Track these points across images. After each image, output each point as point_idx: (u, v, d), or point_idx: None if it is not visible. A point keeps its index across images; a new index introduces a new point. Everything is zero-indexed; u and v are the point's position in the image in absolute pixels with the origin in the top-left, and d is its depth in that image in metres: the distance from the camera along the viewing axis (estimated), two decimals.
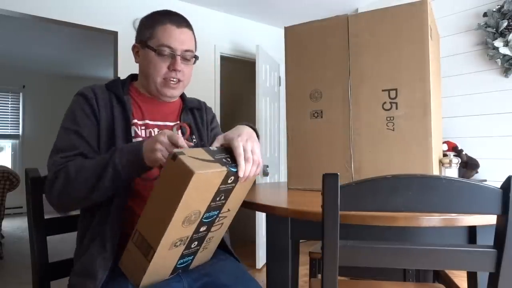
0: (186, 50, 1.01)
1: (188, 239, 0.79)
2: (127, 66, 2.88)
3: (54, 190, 0.87)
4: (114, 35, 2.91)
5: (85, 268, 0.87)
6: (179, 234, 0.75)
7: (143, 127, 1.01)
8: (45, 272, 1.02)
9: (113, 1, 2.90)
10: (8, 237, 4.09)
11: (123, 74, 3.11)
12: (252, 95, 3.30)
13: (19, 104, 5.87)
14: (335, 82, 1.29)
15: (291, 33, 1.39)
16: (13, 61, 5.19)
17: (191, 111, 1.14)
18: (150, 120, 1.03)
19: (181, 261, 0.84)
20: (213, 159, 0.75)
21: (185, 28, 1.02)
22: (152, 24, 1.00)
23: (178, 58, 1.00)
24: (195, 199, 0.71)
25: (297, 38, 1.37)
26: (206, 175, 0.69)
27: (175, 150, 0.71)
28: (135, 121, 1.00)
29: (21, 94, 5.86)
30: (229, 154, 0.80)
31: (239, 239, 3.86)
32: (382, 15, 1.22)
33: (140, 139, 0.98)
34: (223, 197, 0.79)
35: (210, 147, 0.80)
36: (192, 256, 0.87)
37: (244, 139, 0.81)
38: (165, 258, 0.77)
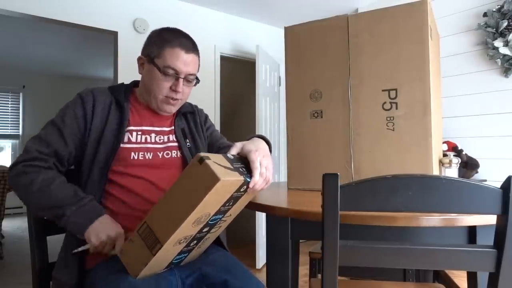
0: (190, 74, 1.05)
1: (191, 238, 0.82)
2: (127, 66, 2.88)
3: (15, 180, 0.91)
4: (114, 35, 2.91)
5: (62, 261, 0.96)
6: (186, 233, 0.78)
7: (139, 133, 1.05)
8: (45, 272, 1.02)
9: (113, 1, 2.90)
10: (8, 237, 4.09)
11: (123, 74, 3.10)
12: (252, 95, 3.31)
13: (19, 104, 5.87)
14: (335, 82, 1.29)
15: (291, 33, 1.39)
16: (13, 61, 5.19)
17: (184, 116, 1.18)
18: (146, 126, 1.07)
19: (178, 257, 0.86)
20: (232, 167, 0.79)
21: (192, 54, 1.05)
22: (162, 44, 1.02)
23: (181, 80, 1.03)
24: (211, 202, 0.74)
25: (297, 38, 1.37)
26: (228, 182, 0.74)
27: (202, 154, 0.74)
28: (131, 128, 1.04)
29: (21, 94, 5.86)
30: (244, 164, 0.86)
31: (239, 239, 3.86)
32: (382, 15, 1.22)
33: (131, 145, 1.02)
34: (231, 203, 0.83)
35: (228, 155, 0.84)
36: (187, 254, 0.89)
37: (261, 155, 0.87)
38: (167, 253, 0.79)
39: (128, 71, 2.86)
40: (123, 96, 1.05)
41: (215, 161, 0.74)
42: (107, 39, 3.22)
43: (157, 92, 1.03)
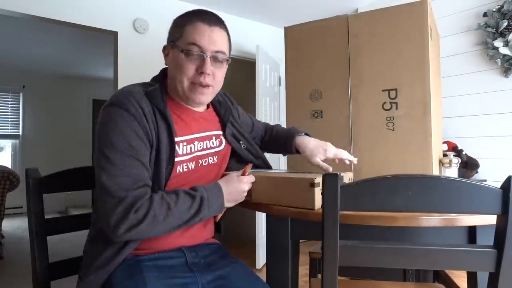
0: (217, 51, 0.92)
1: None
2: (127, 66, 2.88)
3: (136, 230, 0.80)
4: (114, 35, 2.91)
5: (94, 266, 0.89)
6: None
7: (184, 143, 0.94)
8: (45, 272, 1.02)
9: (113, 1, 2.90)
10: (8, 237, 4.09)
11: (123, 74, 3.08)
12: (252, 95, 3.30)
13: (19, 104, 5.86)
14: (335, 82, 1.29)
15: (291, 33, 1.39)
16: (13, 61, 5.18)
17: (231, 123, 1.10)
18: (189, 134, 0.97)
19: None
20: None
21: (217, 27, 0.93)
22: (183, 24, 0.92)
23: (208, 59, 0.90)
24: None
25: (297, 38, 1.37)
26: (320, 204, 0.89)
27: (316, 180, 0.88)
28: (177, 138, 0.92)
29: (21, 94, 5.85)
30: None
31: (239, 239, 3.86)
32: (382, 15, 1.22)
33: (179, 159, 0.93)
34: None
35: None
36: None
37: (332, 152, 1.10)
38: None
39: (128, 71, 2.86)
40: (162, 103, 0.90)
41: (319, 186, 0.88)
42: (107, 39, 3.22)
43: (181, 77, 0.90)
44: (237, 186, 0.94)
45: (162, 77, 0.98)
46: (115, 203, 0.79)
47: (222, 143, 1.07)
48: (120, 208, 0.79)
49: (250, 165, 1.02)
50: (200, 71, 0.90)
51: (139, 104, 0.86)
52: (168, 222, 0.82)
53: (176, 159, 0.91)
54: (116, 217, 0.78)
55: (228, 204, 0.93)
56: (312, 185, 0.88)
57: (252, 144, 1.16)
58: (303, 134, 1.16)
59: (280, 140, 1.19)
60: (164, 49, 0.98)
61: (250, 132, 1.24)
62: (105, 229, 0.81)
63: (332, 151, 1.09)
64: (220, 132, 1.07)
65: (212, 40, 0.91)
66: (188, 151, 0.96)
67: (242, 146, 1.11)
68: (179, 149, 0.93)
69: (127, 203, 0.79)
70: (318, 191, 0.88)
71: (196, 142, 0.98)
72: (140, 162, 0.84)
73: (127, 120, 0.83)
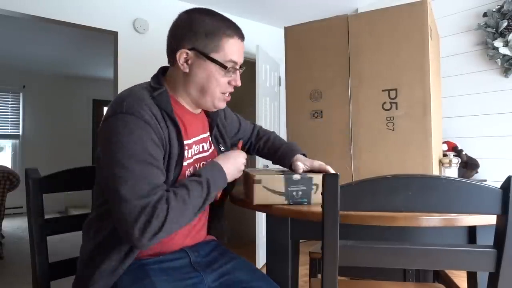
0: (242, 63, 0.98)
1: None
2: (127, 66, 2.88)
3: (160, 234, 0.78)
4: (114, 35, 2.91)
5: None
6: None
7: (186, 147, 0.94)
8: (45, 272, 1.02)
9: (113, 1, 2.90)
10: (8, 237, 4.09)
11: (123, 74, 3.07)
12: (252, 95, 3.30)
13: (19, 104, 5.86)
14: (335, 82, 1.29)
15: (291, 33, 1.39)
16: (13, 61, 5.18)
17: (217, 125, 1.10)
18: (192, 137, 0.97)
19: None
20: (284, 191, 0.94)
21: (244, 41, 0.97)
22: (216, 34, 0.89)
23: (238, 73, 0.96)
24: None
25: (297, 38, 1.37)
26: (264, 203, 0.95)
27: (256, 177, 0.94)
28: (184, 142, 0.92)
29: (21, 94, 5.84)
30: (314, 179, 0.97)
31: (239, 239, 3.86)
32: (382, 15, 1.22)
33: (186, 162, 0.93)
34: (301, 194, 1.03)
35: (294, 176, 0.95)
36: None
37: (318, 163, 1.05)
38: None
39: (128, 71, 2.86)
40: (170, 107, 0.89)
41: (265, 185, 0.94)
42: (107, 39, 3.22)
43: (216, 90, 0.93)
44: (235, 157, 0.97)
45: (162, 78, 0.96)
46: (137, 213, 0.77)
47: (211, 145, 1.06)
48: (143, 217, 0.76)
49: (241, 142, 1.14)
50: (234, 84, 0.97)
51: (152, 111, 0.84)
52: (186, 215, 0.83)
53: (184, 163, 0.91)
54: (139, 226, 0.76)
55: (229, 178, 0.94)
56: (253, 181, 0.94)
57: (229, 148, 1.13)
58: (302, 153, 1.14)
59: (278, 151, 1.17)
60: (182, 53, 0.90)
61: (236, 132, 1.22)
62: (127, 239, 0.79)
63: (316, 162, 1.06)
64: (208, 134, 1.07)
65: (242, 55, 0.97)
66: (190, 155, 0.96)
67: (221, 149, 1.08)
68: (185, 152, 0.92)
69: (148, 211, 0.77)
70: (260, 187, 0.94)
71: (194, 146, 0.98)
72: (159, 169, 0.83)
73: (143, 128, 0.81)
